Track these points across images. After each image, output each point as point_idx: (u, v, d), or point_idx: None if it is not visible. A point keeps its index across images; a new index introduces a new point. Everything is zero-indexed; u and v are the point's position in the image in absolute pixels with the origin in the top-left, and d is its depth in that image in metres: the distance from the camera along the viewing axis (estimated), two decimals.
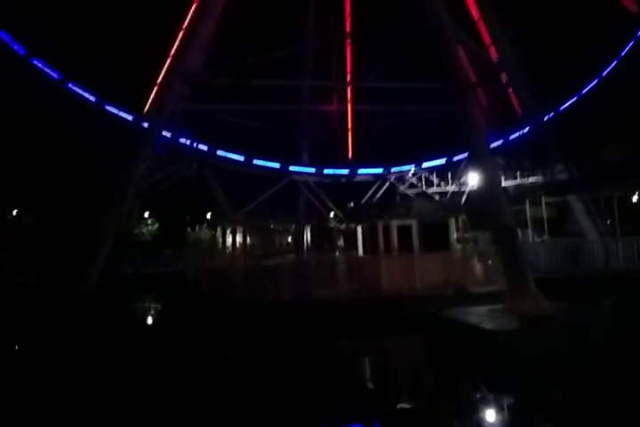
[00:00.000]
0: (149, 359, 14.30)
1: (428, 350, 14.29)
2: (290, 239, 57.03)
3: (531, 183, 26.89)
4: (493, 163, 15.90)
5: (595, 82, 27.52)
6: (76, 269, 23.72)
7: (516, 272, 14.37)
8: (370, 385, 12.21)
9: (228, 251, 26.81)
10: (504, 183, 26.73)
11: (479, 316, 13.83)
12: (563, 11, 28.97)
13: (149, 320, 23.36)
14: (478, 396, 10.48)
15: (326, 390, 11.13)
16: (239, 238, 28.66)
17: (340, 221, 27.96)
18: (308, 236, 34.94)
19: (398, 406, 10.20)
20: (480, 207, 16.61)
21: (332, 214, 42.71)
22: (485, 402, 10.04)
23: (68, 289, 23.08)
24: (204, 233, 65.74)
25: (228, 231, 29.11)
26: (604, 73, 27.48)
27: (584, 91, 27.55)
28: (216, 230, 64.89)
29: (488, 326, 12.51)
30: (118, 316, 24.22)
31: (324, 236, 49.20)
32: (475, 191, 25.01)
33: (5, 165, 30.34)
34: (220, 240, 27.48)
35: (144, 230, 54.11)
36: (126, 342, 17.07)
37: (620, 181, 23.75)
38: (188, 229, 63.87)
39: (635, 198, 31.81)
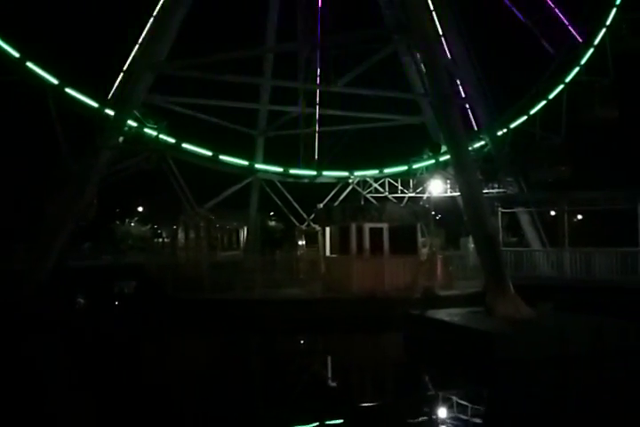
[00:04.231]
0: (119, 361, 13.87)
1: (411, 348, 14.83)
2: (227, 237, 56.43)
3: (485, 193, 28.37)
4: (475, 171, 16.76)
5: (542, 104, 29.55)
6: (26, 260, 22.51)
7: (498, 278, 15.32)
8: (381, 385, 12.55)
9: (187, 246, 26.29)
10: (456, 193, 28.14)
11: (464, 317, 14.61)
12: (516, 37, 31.06)
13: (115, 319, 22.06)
14: (486, 392, 11.17)
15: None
16: (193, 234, 28.07)
17: (300, 221, 28.22)
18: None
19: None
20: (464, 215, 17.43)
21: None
22: (496, 397, 10.75)
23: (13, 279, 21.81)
24: (134, 227, 63.76)
25: (181, 227, 28.50)
26: (551, 96, 29.58)
27: (532, 111, 29.48)
28: (150, 225, 63.32)
29: (480, 327, 13.28)
30: (78, 313, 23.15)
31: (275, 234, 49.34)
32: (434, 198, 26.13)
33: None
34: (181, 235, 26.83)
35: None
36: (94, 343, 16.41)
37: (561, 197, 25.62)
38: (117, 222, 61.83)
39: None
